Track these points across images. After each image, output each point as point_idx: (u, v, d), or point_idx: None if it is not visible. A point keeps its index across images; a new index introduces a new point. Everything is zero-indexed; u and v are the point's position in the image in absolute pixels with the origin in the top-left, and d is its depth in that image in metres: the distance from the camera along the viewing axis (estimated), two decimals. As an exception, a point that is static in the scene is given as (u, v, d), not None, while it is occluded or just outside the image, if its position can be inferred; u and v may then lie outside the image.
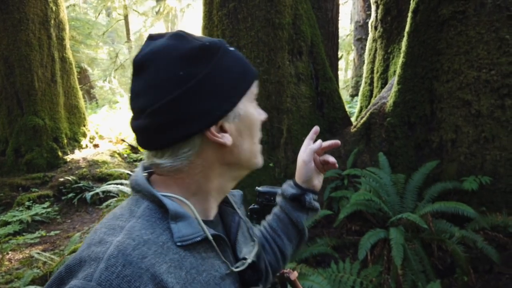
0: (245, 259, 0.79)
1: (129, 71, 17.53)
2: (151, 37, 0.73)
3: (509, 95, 3.16)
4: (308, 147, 1.04)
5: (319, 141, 1.03)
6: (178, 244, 0.66)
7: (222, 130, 0.72)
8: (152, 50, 0.69)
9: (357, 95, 11.17)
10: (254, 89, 0.77)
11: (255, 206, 1.09)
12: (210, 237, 0.70)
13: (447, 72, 3.44)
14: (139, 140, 0.72)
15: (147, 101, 0.67)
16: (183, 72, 0.67)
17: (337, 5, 4.98)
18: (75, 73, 8.27)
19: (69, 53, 8.06)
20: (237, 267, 0.76)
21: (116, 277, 0.56)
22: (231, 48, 0.75)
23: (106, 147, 7.99)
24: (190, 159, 0.70)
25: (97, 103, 16.04)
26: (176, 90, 0.66)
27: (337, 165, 1.04)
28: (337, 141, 1.03)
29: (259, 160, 0.81)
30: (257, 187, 1.12)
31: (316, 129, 1.06)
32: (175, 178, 0.72)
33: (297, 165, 1.07)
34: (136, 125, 0.71)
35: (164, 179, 0.74)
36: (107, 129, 8.99)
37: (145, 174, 0.76)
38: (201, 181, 0.73)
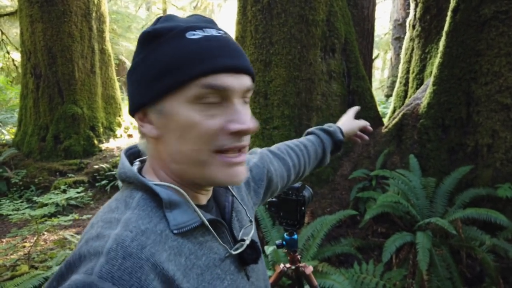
0: (243, 240, 0.79)
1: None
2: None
3: (553, 100, 3.01)
4: (361, 121, 1.40)
5: (365, 122, 1.41)
6: (175, 232, 0.66)
7: (148, 119, 0.69)
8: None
9: (392, 95, 10.93)
10: (197, 89, 0.64)
11: (273, 199, 1.10)
12: (207, 223, 0.70)
13: (486, 74, 3.31)
14: None
15: None
16: (136, 55, 0.70)
17: (374, 3, 4.87)
18: (113, 65, 8.55)
19: (108, 45, 8.34)
20: (236, 249, 0.77)
21: (117, 270, 0.56)
22: (196, 36, 0.65)
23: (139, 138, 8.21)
24: (144, 139, 0.74)
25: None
26: (130, 71, 0.71)
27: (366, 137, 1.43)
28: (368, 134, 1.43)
29: (212, 173, 0.69)
30: None
31: (356, 109, 1.46)
32: (156, 165, 0.73)
33: (349, 122, 1.38)
34: None
35: (153, 166, 0.74)
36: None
37: (137, 164, 0.77)
38: (174, 168, 0.71)
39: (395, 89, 5.65)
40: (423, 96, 3.94)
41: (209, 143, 0.66)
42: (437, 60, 3.72)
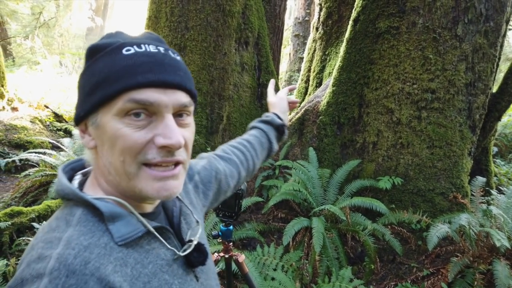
0: (190, 241, 0.82)
1: (54, 32, 16.20)
2: None
3: (426, 108, 3.57)
4: (283, 89, 1.43)
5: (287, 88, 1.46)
6: (120, 243, 0.67)
7: (88, 131, 0.73)
8: None
9: (290, 88, 11.51)
10: (123, 103, 0.66)
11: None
12: (153, 230, 0.72)
13: (377, 80, 3.78)
14: None
15: None
16: (82, 69, 0.73)
17: (285, 1, 5.12)
18: (-5, 27, 7.49)
19: (-10, 3, 7.28)
20: (184, 250, 0.79)
21: None
22: (130, 52, 0.68)
23: (26, 111, 7.35)
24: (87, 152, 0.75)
25: (13, 61, 14.59)
26: (77, 84, 0.73)
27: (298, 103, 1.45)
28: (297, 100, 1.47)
29: (140, 186, 0.69)
30: None
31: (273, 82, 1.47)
32: (98, 175, 0.74)
33: (275, 102, 1.38)
34: None
35: (96, 178, 0.75)
36: (27, 92, 8.26)
37: (78, 178, 0.78)
38: (110, 179, 0.73)
39: (297, 86, 6.04)
40: (323, 94, 4.32)
41: (136, 155, 0.67)
42: (337, 64, 4.11)
